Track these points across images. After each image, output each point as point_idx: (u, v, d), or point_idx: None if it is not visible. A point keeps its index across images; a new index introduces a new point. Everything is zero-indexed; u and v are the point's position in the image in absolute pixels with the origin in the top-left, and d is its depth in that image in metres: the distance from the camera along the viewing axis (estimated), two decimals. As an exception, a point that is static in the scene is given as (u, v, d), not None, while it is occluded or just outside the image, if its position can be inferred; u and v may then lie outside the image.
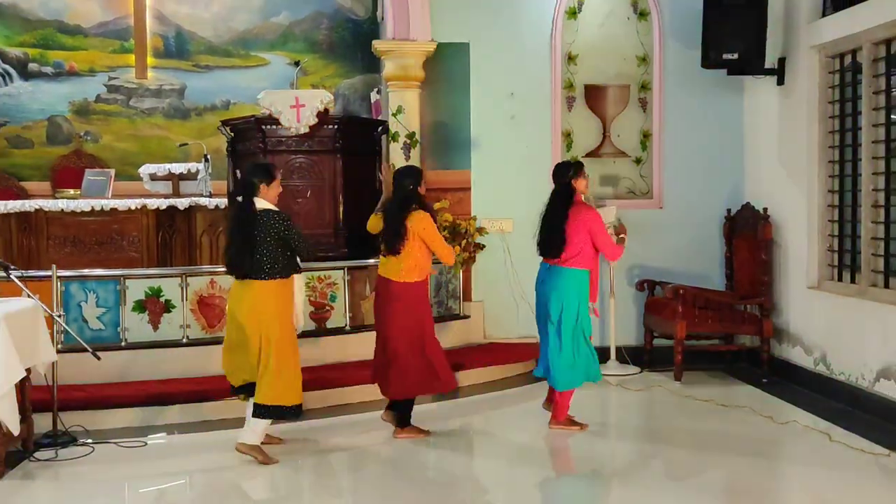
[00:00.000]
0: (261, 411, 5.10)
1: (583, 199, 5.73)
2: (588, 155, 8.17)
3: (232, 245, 5.13)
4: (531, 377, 7.48)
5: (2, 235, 7.78)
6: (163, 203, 8.02)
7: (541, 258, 5.81)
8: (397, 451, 5.50)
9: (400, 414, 5.67)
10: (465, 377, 7.22)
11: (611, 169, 8.18)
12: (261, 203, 5.14)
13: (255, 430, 5.18)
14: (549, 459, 5.53)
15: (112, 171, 8.81)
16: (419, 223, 5.47)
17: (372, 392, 6.41)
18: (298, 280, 5.24)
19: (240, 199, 5.18)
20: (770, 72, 7.42)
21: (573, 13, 8.09)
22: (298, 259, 5.20)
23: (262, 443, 5.25)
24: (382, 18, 8.41)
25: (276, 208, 5.17)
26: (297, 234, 5.15)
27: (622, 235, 6.23)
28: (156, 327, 6.67)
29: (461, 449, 5.75)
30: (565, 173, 5.70)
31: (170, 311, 6.69)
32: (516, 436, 5.90)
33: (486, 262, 7.96)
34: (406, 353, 5.50)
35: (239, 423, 5.43)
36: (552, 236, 5.60)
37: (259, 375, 5.11)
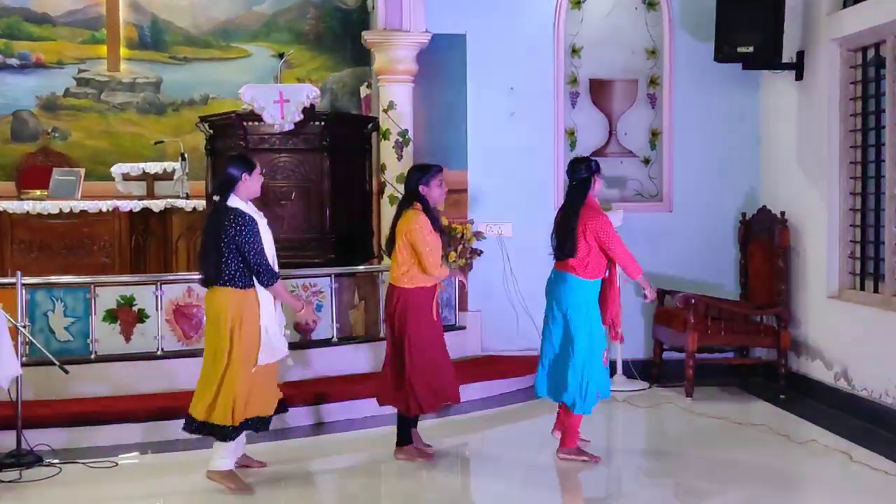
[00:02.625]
0: (198, 428, 5.04)
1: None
2: (593, 154, 8.15)
3: (201, 246, 5.09)
4: (533, 393, 7.49)
5: (-38, 240, 7.78)
6: (136, 205, 8.02)
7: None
8: (388, 472, 5.48)
9: (398, 430, 5.66)
10: (461, 393, 7.21)
11: (617, 170, 8.19)
12: (234, 200, 4.96)
13: (218, 453, 5.05)
14: (551, 483, 5.50)
15: (82, 171, 8.79)
16: (406, 223, 5.44)
17: (361, 408, 6.41)
18: (264, 296, 4.98)
19: (215, 196, 5.04)
20: (788, 66, 7.44)
21: (577, 3, 8.10)
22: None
23: (240, 466, 5.22)
24: (373, 7, 8.42)
25: (244, 208, 4.95)
26: (251, 246, 4.88)
27: None
28: (128, 339, 6.65)
29: (457, 471, 5.74)
30: (579, 170, 5.59)
31: (143, 322, 6.67)
32: (516, 456, 5.88)
33: (483, 270, 7.96)
34: (396, 365, 5.50)
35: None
36: (559, 234, 5.55)
37: (197, 384, 5.08)
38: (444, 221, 7.76)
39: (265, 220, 5.09)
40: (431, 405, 5.54)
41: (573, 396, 5.44)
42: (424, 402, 5.46)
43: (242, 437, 5.18)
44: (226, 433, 4.96)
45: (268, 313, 5.00)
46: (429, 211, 5.46)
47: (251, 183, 5.02)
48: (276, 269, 5.06)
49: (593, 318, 5.48)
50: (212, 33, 10.43)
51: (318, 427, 6.39)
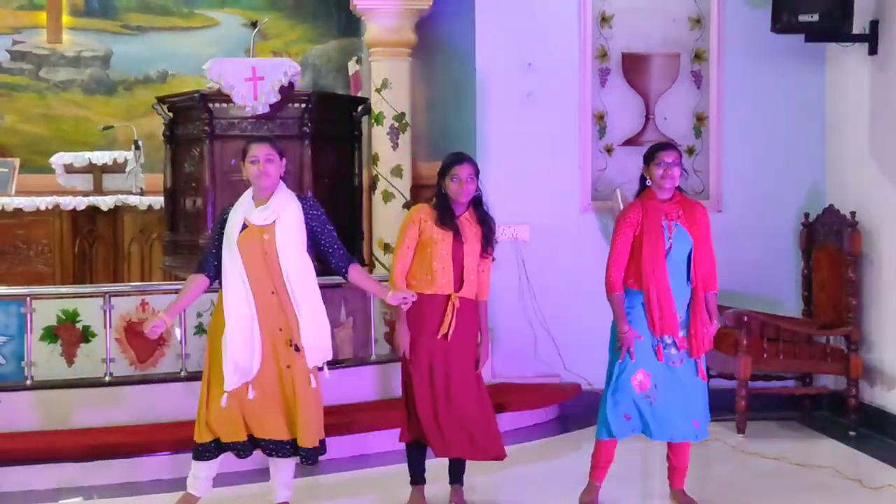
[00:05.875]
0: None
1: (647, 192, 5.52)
2: (627, 143, 8.19)
3: None
4: (554, 428, 7.46)
5: None
6: (81, 202, 8.04)
7: None
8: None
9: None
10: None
11: (655, 161, 8.20)
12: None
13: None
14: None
15: (16, 161, 8.82)
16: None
17: (349, 445, 6.41)
18: (230, 304, 5.05)
19: None
20: (860, 38, 7.45)
21: (608, -38, 8.15)
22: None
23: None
24: (364, -33, 8.44)
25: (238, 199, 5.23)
26: (211, 234, 5.19)
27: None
28: (70, 361, 6.66)
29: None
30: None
31: (88, 341, 6.68)
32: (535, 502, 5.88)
33: (495, 279, 7.92)
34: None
35: (180, 485, 5.41)
36: None
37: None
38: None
39: (260, 210, 5.13)
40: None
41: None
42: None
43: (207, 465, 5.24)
44: (197, 453, 5.17)
45: (231, 321, 5.04)
46: (440, 204, 5.50)
47: (246, 170, 5.23)
48: (223, 266, 5.08)
49: (612, 337, 5.54)
50: (171, -2, 10.46)
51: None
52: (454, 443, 5.46)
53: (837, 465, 6.43)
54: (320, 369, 5.17)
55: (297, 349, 5.06)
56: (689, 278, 5.41)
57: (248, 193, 5.21)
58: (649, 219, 5.40)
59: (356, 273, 5.29)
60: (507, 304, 8.00)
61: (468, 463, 5.64)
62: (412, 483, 5.63)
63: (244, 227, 5.06)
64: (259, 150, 5.17)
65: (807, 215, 8.00)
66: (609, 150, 8.21)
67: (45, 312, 6.63)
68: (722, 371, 7.63)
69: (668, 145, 5.61)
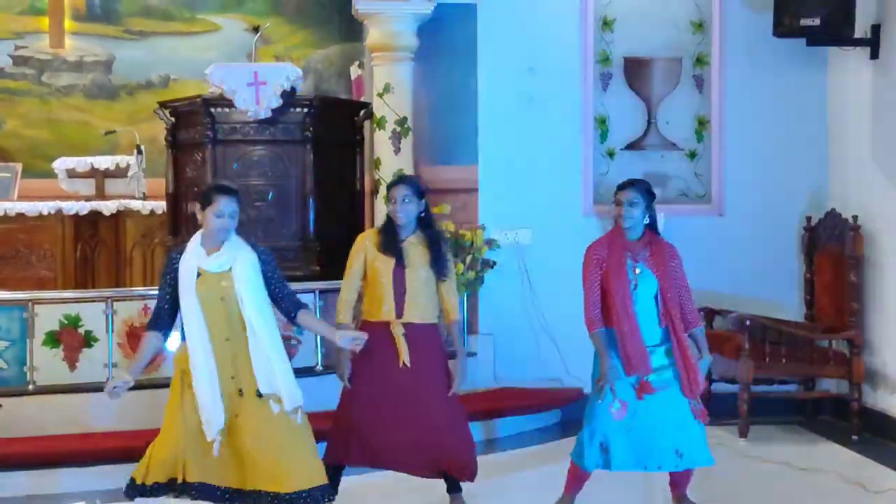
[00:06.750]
0: None
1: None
2: (629, 147, 8.19)
3: None
4: (556, 433, 7.46)
5: None
6: (83, 207, 8.04)
7: None
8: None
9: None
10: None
11: (657, 165, 8.21)
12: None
13: None
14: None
15: (18, 166, 8.83)
16: None
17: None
18: (196, 354, 4.85)
19: None
20: (861, 42, 7.45)
21: (609, -34, 8.16)
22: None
23: None
24: (366, -28, 8.45)
25: (186, 246, 4.98)
26: (162, 286, 4.98)
27: None
28: (73, 366, 6.66)
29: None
30: None
31: (91, 346, 6.68)
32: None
33: (496, 285, 7.97)
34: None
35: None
36: None
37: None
38: (451, 227, 7.80)
39: (209, 255, 4.91)
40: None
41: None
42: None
43: None
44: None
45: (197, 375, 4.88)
46: (383, 228, 5.46)
47: (204, 221, 4.94)
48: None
49: (594, 368, 5.37)
50: (174, 2, 10.46)
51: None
52: (407, 460, 5.41)
53: (840, 469, 6.43)
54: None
55: (260, 395, 4.83)
56: (659, 320, 5.28)
57: (196, 240, 4.95)
58: (613, 256, 5.26)
59: (305, 317, 5.08)
60: (509, 309, 8.00)
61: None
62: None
63: (199, 274, 4.88)
64: (226, 207, 4.88)
65: (809, 219, 7.99)
66: (611, 154, 8.21)
67: (48, 317, 6.63)
68: (724, 375, 7.62)
69: (630, 184, 5.31)
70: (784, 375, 7.55)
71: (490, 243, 7.87)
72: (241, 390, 4.83)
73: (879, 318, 7.44)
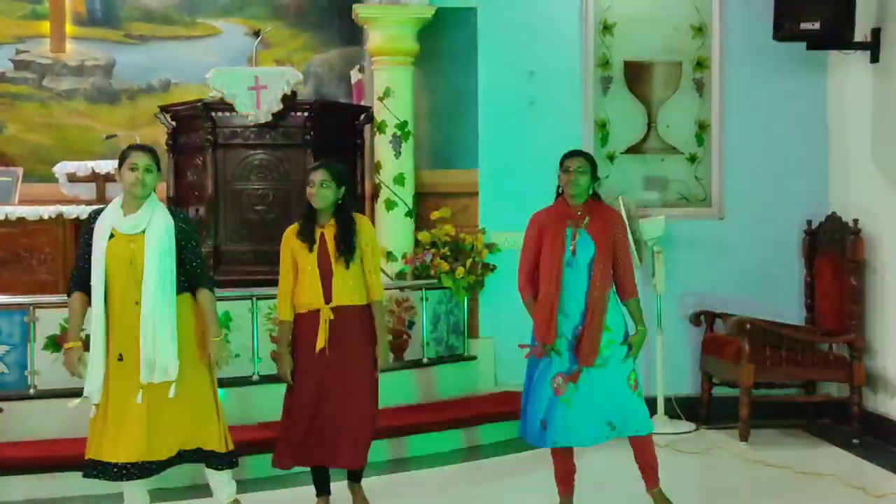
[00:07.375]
0: None
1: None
2: (629, 150, 8.20)
3: None
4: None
5: None
6: (84, 211, 8.02)
7: None
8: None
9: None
10: (470, 436, 7.20)
11: (658, 168, 8.21)
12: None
13: None
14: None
15: (19, 171, 8.82)
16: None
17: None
18: (94, 316, 4.97)
19: None
20: (862, 45, 7.45)
21: (610, -30, 8.16)
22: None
23: None
24: (366, -24, 8.46)
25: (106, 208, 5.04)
26: (79, 247, 5.01)
27: None
28: (74, 370, 6.65)
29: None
30: None
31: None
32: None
33: (497, 288, 7.97)
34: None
35: (185, 494, 5.39)
36: None
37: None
38: (451, 230, 7.81)
39: (127, 218, 4.96)
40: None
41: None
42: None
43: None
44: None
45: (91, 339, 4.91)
46: (303, 216, 5.48)
47: (122, 176, 5.04)
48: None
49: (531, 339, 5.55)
50: (174, 7, 10.45)
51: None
52: (315, 451, 5.41)
53: (841, 473, 6.42)
54: None
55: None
56: (590, 286, 5.31)
57: (116, 202, 5.00)
58: (553, 224, 5.38)
59: (202, 297, 5.02)
60: (509, 312, 7.98)
61: (472, 472, 5.62)
62: (316, 495, 5.60)
63: (111, 236, 4.89)
64: (139, 159, 4.97)
65: (809, 223, 7.99)
66: (611, 158, 8.21)
67: (48, 321, 6.63)
68: (724, 379, 7.63)
69: (576, 153, 5.51)
70: (785, 379, 7.55)
71: (490, 247, 7.88)
72: (120, 355, 4.87)
73: (880, 321, 7.44)
